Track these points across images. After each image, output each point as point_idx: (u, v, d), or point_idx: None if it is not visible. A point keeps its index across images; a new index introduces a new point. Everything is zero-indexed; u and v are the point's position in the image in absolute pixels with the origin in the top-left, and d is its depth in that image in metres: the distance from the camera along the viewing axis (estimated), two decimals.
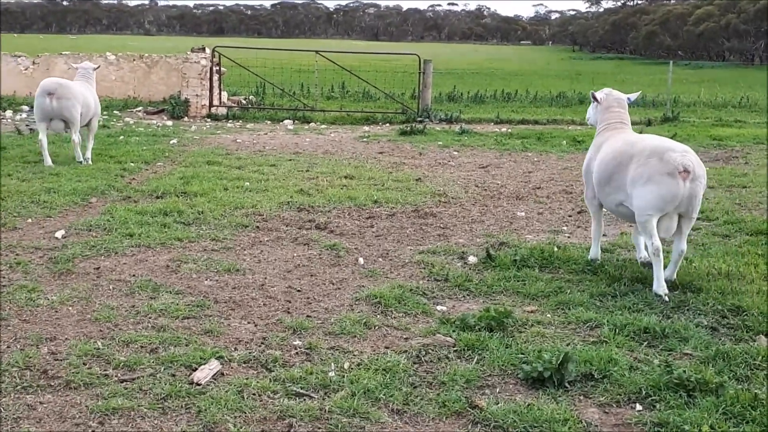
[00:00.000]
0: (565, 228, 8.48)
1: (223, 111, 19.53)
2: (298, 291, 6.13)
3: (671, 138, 7.44)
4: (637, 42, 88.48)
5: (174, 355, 4.72)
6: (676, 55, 77.34)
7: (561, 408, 4.19)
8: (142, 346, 4.88)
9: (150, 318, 5.39)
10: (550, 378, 4.49)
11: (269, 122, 18.88)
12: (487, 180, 11.27)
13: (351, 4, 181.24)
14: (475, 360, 4.83)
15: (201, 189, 9.63)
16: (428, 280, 6.49)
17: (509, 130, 17.60)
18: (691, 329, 5.34)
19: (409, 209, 9.12)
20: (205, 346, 4.90)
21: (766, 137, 16.22)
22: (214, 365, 4.56)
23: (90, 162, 11.40)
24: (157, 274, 6.40)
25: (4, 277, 6.17)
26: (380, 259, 7.12)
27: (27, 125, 15.82)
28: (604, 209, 7.05)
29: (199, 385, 4.35)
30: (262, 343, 5.04)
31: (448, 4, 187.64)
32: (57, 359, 4.66)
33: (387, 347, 5.03)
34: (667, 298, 5.96)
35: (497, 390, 4.47)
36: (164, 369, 4.55)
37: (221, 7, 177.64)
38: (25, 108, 18.72)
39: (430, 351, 4.94)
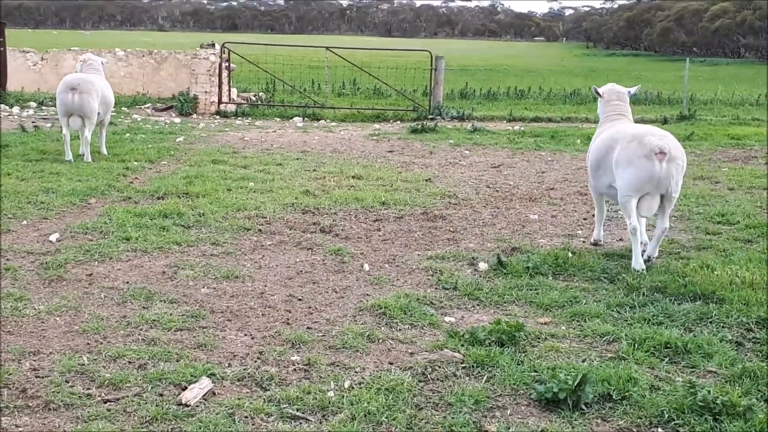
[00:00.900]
0: (579, 232, 8.15)
1: (232, 108, 19.26)
2: (299, 300, 5.84)
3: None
4: (652, 38, 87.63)
5: (163, 372, 4.43)
6: (691, 52, 76.46)
7: None
8: (129, 362, 4.59)
9: (141, 330, 5.11)
10: (565, 400, 4.18)
11: (278, 119, 18.59)
12: (499, 180, 10.94)
13: (364, 1, 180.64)
14: (484, 378, 4.53)
15: (204, 190, 9.34)
16: (436, 289, 6.18)
17: (522, 128, 17.21)
18: (714, 344, 5.02)
19: (418, 211, 8.80)
20: (197, 361, 4.61)
21: None
22: (205, 384, 4.26)
23: (90, 159, 11.14)
24: (152, 281, 6.12)
25: None
26: (386, 265, 6.82)
27: (33, 122, 15.60)
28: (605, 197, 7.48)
29: (187, 406, 4.06)
30: (258, 358, 4.74)
31: (462, 0, 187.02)
32: (38, 376, 4.38)
33: (391, 363, 4.73)
34: (645, 273, 6.39)
35: (508, 412, 4.16)
36: (152, 388, 4.26)
37: (234, 3, 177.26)
38: (33, 104, 18.50)
39: (436, 368, 4.64)
